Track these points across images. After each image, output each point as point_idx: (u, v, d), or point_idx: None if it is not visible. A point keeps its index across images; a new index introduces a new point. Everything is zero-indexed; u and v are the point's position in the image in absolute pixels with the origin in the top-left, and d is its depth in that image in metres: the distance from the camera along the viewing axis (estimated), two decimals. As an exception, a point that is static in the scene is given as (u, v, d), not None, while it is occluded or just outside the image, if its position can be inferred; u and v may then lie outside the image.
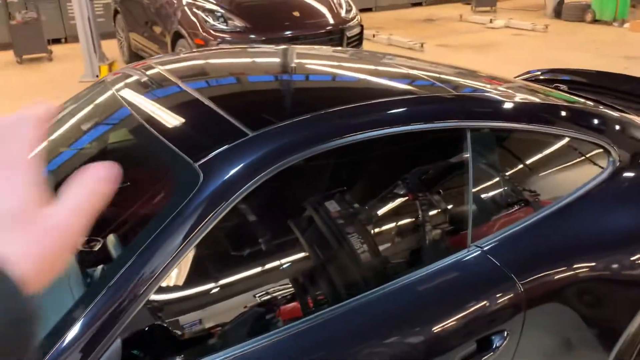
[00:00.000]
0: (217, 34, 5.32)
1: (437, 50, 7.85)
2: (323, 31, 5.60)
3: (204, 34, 5.32)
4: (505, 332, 1.45)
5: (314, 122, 1.38)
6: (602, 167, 1.81)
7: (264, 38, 5.32)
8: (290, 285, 1.44)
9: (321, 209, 1.48)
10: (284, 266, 1.48)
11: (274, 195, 1.49)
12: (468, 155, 1.55)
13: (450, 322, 1.41)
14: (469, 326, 1.44)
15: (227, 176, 1.20)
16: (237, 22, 5.41)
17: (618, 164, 1.81)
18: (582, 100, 2.15)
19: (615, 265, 1.66)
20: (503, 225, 1.58)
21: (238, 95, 1.73)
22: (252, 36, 5.36)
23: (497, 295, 1.46)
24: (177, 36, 5.68)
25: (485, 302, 1.45)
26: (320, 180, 1.56)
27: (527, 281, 1.49)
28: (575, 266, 1.59)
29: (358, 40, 5.89)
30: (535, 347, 1.57)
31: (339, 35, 5.62)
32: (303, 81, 1.84)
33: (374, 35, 8.52)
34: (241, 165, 1.24)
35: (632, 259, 1.68)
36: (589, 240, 1.68)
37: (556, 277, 1.54)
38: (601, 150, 1.82)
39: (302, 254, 1.53)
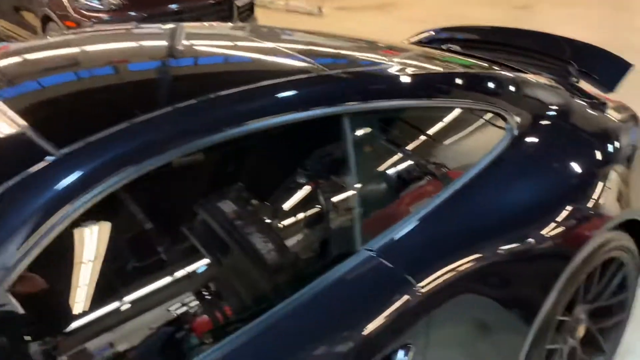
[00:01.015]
0: (89, 13, 4.78)
1: (337, 14, 7.58)
2: (211, 2, 5.17)
3: (75, 15, 4.77)
4: (409, 345, 1.24)
5: (139, 129, 1.08)
6: (501, 136, 1.62)
7: (145, 15, 4.83)
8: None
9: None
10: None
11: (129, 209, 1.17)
12: (349, 145, 1.30)
13: (338, 346, 1.18)
14: (367, 346, 1.21)
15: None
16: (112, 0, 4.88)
17: (516, 131, 1.63)
18: (476, 62, 1.96)
19: (523, 242, 1.48)
20: (395, 220, 1.36)
21: (64, 98, 1.35)
22: (131, 13, 4.85)
23: (395, 304, 1.24)
24: (46, 19, 5.07)
25: (381, 314, 1.23)
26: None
27: (426, 280, 1.28)
28: (480, 250, 1.39)
29: (249, 9, 5.50)
30: (449, 346, 1.38)
31: (228, 5, 5.21)
32: (147, 71, 1.50)
33: (271, 2, 8.12)
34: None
35: (541, 232, 1.51)
36: (493, 220, 1.48)
37: (460, 267, 1.34)
38: (499, 117, 1.64)
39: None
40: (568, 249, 1.55)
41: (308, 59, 1.50)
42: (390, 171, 1.46)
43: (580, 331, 1.79)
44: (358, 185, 1.33)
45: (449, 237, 1.40)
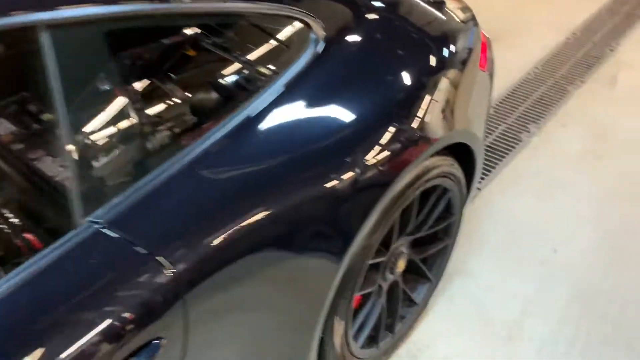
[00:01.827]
0: None
1: None
2: None
3: None
4: (161, 339, 0.96)
5: None
6: (303, 49, 1.29)
7: None
8: None
9: None
10: None
11: None
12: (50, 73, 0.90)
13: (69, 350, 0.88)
14: (100, 347, 0.91)
15: None
16: None
17: (322, 42, 1.30)
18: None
19: (327, 177, 1.20)
20: (141, 175, 1.02)
21: None
22: None
23: (137, 290, 0.94)
24: None
25: (118, 305, 0.92)
26: None
27: (183, 255, 0.98)
28: (270, 198, 1.11)
29: None
30: (227, 324, 1.13)
31: None
32: None
33: None
34: None
35: (349, 162, 1.23)
36: (286, 156, 1.17)
37: (242, 224, 1.05)
38: (302, 25, 1.29)
39: None
40: (382, 180, 1.31)
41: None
42: (137, 111, 1.09)
43: (401, 265, 1.63)
44: (75, 131, 0.96)
45: (224, 187, 1.09)
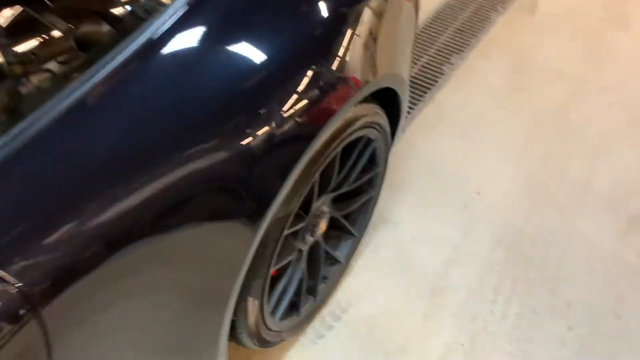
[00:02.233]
0: None
1: None
2: None
3: None
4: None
5: None
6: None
7: None
8: None
9: None
10: None
11: None
12: None
13: None
14: None
15: None
16: None
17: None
18: None
19: (224, 138, 0.98)
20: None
21: None
22: None
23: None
24: None
25: None
26: None
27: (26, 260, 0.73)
28: (146, 167, 0.87)
29: None
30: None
31: None
32: None
33: None
34: None
35: (253, 119, 1.00)
36: (167, 113, 0.91)
37: (119, 201, 0.81)
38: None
39: None
40: (303, 134, 1.10)
41: None
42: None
43: (323, 227, 1.46)
44: None
45: (102, 148, 0.83)
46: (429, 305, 1.72)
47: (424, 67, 2.59)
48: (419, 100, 2.40)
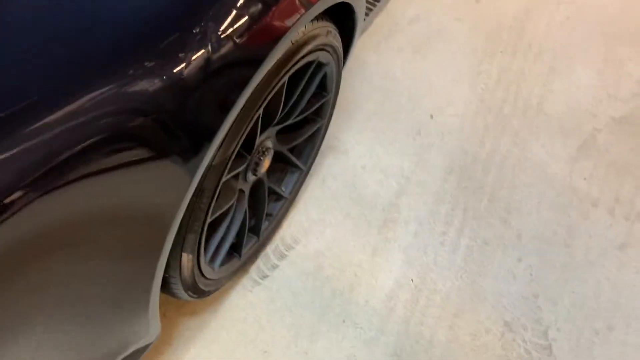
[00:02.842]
0: None
1: None
2: None
3: None
4: None
5: None
6: None
7: None
8: None
9: None
10: None
11: None
12: None
13: None
14: None
15: None
16: None
17: None
18: None
19: (150, 65, 0.76)
20: None
21: None
22: None
23: None
24: None
25: None
26: None
27: None
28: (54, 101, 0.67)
29: None
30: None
31: None
32: None
33: None
34: None
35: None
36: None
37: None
38: None
39: None
40: (247, 59, 0.90)
41: None
42: None
43: (266, 164, 1.29)
44: None
45: None
46: (378, 239, 1.63)
47: (375, -30, 2.33)
48: (370, 9, 2.17)
